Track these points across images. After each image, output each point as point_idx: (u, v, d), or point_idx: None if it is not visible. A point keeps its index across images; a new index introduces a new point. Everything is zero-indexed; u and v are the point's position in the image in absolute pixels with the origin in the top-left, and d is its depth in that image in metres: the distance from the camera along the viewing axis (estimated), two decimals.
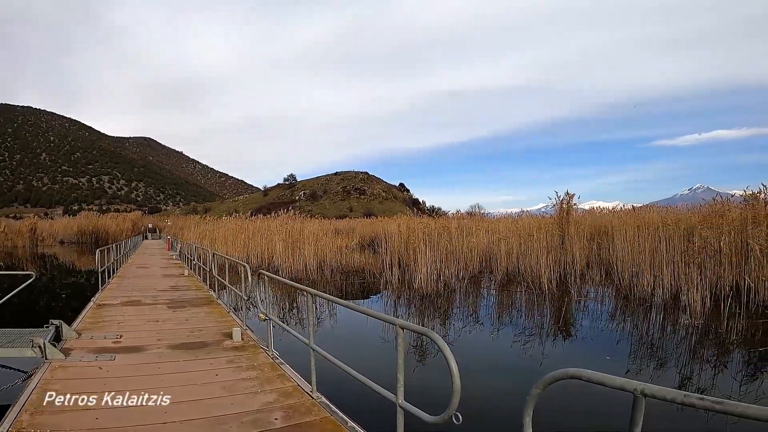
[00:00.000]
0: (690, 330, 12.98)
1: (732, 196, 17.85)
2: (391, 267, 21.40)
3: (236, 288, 11.74)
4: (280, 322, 8.20)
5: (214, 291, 14.74)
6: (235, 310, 12.24)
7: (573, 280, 19.35)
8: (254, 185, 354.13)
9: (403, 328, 4.45)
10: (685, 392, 2.27)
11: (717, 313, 13.82)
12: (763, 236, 15.23)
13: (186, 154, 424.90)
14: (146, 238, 66.43)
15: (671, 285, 15.46)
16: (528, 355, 11.32)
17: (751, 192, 16.73)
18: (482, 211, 36.56)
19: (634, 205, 24.55)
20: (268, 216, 34.33)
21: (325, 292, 7.64)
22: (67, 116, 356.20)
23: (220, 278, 13.85)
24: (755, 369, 10.33)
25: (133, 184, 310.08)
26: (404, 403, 4.45)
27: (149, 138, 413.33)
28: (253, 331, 9.75)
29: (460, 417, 3.66)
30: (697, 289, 14.34)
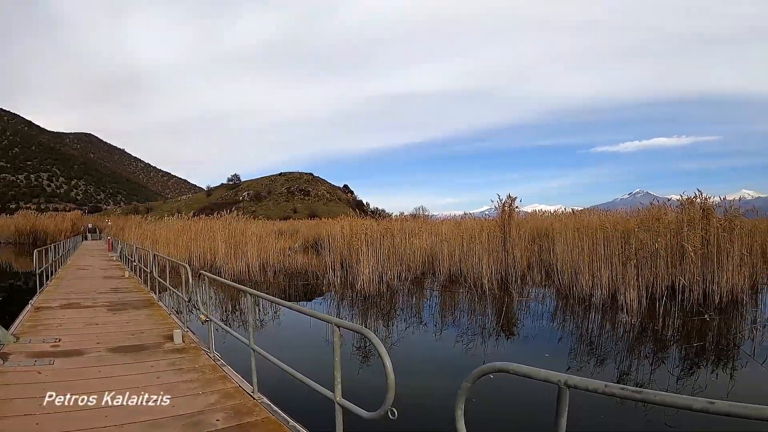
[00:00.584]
0: (628, 328, 13.28)
1: (668, 200, 18.46)
2: (334, 268, 21.32)
3: (177, 290, 11.63)
4: (221, 324, 8.16)
5: (156, 293, 14.25)
6: (177, 313, 12.04)
7: (514, 281, 19.65)
8: (198, 185, 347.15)
9: (339, 327, 4.54)
10: (606, 382, 2.42)
11: (653, 311, 14.25)
12: (697, 239, 15.80)
13: (128, 151, 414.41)
14: (86, 238, 63.99)
15: (609, 285, 15.83)
16: (470, 355, 11.36)
17: (687, 197, 17.40)
18: (426, 213, 36.83)
19: (575, 208, 25.14)
20: (212, 216, 33.91)
21: (267, 293, 7.70)
22: (5, 109, 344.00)
23: (161, 280, 13.60)
24: (691, 364, 10.62)
25: (73, 182, 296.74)
26: (342, 400, 4.52)
27: (90, 134, 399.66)
28: (194, 333, 9.52)
29: (396, 412, 3.78)
30: (634, 288, 14.71)
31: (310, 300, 19.72)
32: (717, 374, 9.99)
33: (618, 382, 9.19)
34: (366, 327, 4.41)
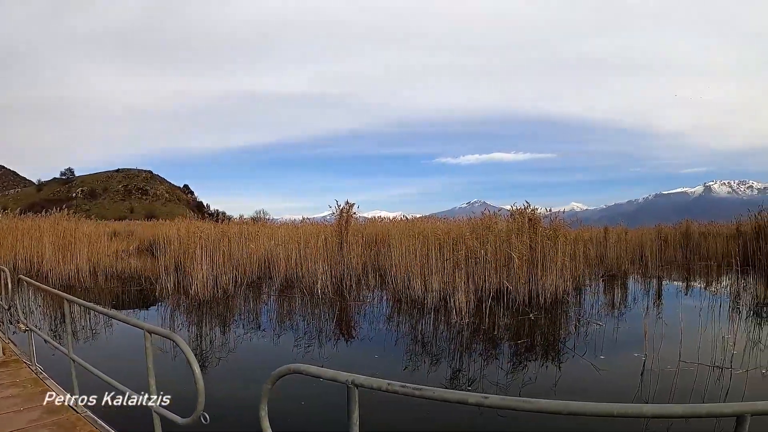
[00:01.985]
0: (460, 329, 13.70)
1: (499, 210, 19.52)
2: (168, 273, 20.24)
3: None
4: (41, 333, 7.78)
5: None
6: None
7: (351, 285, 19.90)
8: (28, 178, 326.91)
9: (150, 333, 4.65)
10: (389, 381, 2.63)
11: (483, 313, 14.79)
12: (524, 246, 16.83)
13: None
14: None
15: (441, 288, 16.32)
16: (308, 359, 11.03)
17: (516, 207, 18.56)
18: (267, 217, 36.67)
19: (414, 215, 25.98)
20: (41, 215, 32.03)
21: (98, 299, 7.46)
22: None
23: None
24: (521, 359, 11.20)
25: None
26: (158, 407, 4.57)
27: None
28: (16, 345, 9.15)
29: (207, 417, 3.93)
30: (464, 292, 15.16)
31: (146, 307, 18.27)
32: (546, 367, 10.62)
33: (451, 380, 9.60)
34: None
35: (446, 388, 9.21)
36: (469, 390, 9.23)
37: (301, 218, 29.40)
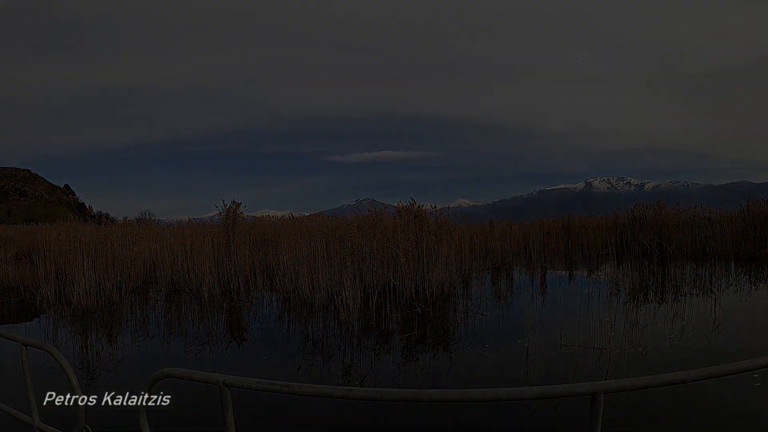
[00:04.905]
0: (350, 325, 13.80)
1: (386, 207, 19.90)
2: (49, 281, 18.93)
3: None
4: None
5: None
6: None
7: (240, 287, 19.59)
8: None
9: (26, 345, 4.40)
10: (258, 379, 2.71)
11: (372, 308, 15.09)
12: (410, 242, 17.12)
13: None
14: None
15: (329, 286, 16.36)
16: (202, 364, 10.94)
17: (402, 204, 18.86)
18: (153, 218, 35.77)
19: (303, 213, 26.05)
20: None
21: None
22: None
23: None
24: (413, 351, 11.40)
25: None
26: (41, 424, 4.37)
27: None
28: None
29: (90, 429, 3.86)
30: (351, 288, 15.23)
31: (29, 319, 16.92)
32: (438, 358, 10.88)
33: (344, 376, 9.63)
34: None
35: (338, 384, 9.38)
36: (356, 384, 9.39)
37: (187, 219, 28.78)
